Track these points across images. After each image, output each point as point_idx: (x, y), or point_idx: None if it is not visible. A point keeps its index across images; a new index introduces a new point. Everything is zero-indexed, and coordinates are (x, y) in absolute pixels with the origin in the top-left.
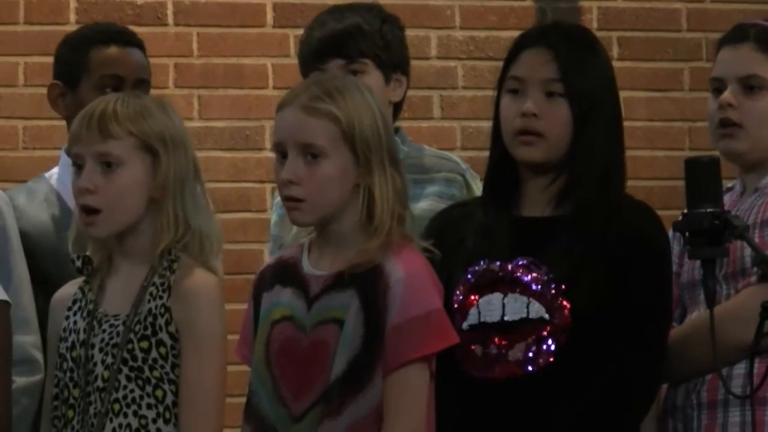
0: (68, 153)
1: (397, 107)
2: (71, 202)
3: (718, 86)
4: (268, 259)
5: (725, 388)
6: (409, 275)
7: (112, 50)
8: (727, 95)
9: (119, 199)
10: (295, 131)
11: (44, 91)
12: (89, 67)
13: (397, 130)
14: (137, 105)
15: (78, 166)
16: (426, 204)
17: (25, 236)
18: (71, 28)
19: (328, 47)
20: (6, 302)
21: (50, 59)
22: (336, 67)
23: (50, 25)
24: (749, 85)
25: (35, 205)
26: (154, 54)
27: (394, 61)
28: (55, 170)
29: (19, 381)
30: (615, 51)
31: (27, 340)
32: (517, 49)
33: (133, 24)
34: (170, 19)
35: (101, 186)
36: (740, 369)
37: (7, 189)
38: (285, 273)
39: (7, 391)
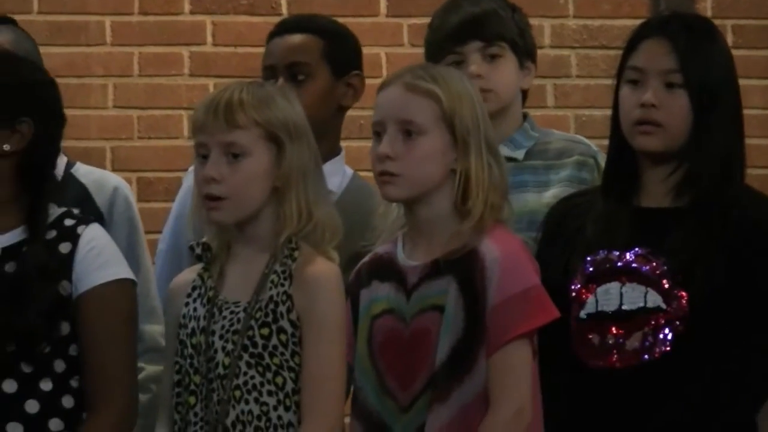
0: None
1: (524, 95)
2: None
3: None
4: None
5: None
6: (505, 255)
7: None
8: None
9: (244, 189)
10: (396, 108)
11: (159, 81)
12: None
13: (525, 116)
14: (261, 94)
15: (202, 155)
16: (557, 191)
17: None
18: (185, 18)
19: (468, 29)
20: (133, 281)
21: (164, 49)
22: (474, 50)
23: (164, 16)
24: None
25: None
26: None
27: (527, 47)
28: None
29: (149, 369)
30: (729, 39)
31: (155, 329)
32: (636, 39)
33: (246, 14)
34: (284, 9)
35: (227, 175)
36: None
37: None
38: (381, 268)
39: (132, 370)
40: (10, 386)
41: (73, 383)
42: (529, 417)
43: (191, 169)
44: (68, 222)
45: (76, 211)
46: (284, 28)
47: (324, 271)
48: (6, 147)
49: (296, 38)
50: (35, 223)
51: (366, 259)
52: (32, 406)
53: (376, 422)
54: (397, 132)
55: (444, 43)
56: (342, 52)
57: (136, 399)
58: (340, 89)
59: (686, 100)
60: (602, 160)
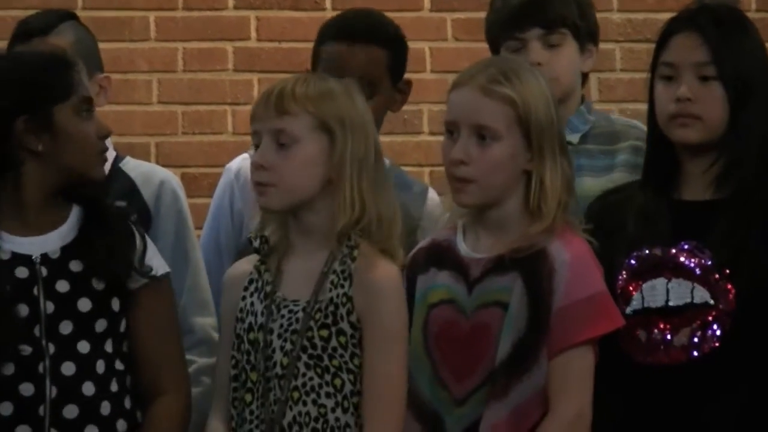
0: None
1: (584, 77)
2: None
3: None
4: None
5: None
6: (575, 258)
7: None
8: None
9: (291, 176)
10: (470, 112)
11: (203, 76)
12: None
13: (582, 99)
14: (319, 86)
15: (256, 144)
16: (618, 175)
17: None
18: (229, 14)
19: (529, 14)
20: (169, 273)
21: (208, 44)
22: (534, 37)
23: (208, 11)
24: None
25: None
26: (312, 39)
27: (589, 29)
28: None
29: (200, 361)
30: None
31: (207, 321)
32: (666, 35)
33: (290, 9)
34: (328, 4)
35: (274, 162)
36: None
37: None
38: (440, 255)
39: (184, 359)
40: (88, 389)
41: (128, 383)
42: (588, 422)
43: (228, 165)
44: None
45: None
46: (351, 34)
47: (385, 273)
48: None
49: (366, 52)
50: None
51: (424, 244)
52: (105, 408)
53: (427, 412)
54: (471, 136)
55: (504, 27)
56: (401, 61)
57: (190, 390)
58: (395, 97)
59: (721, 92)
60: None
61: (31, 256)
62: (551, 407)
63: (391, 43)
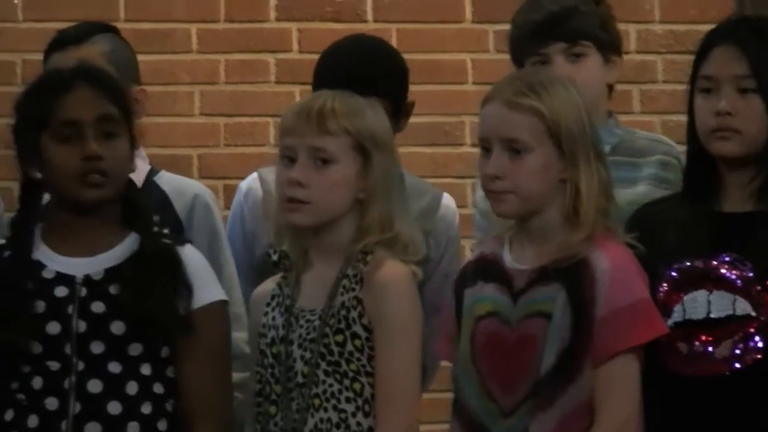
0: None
1: (610, 89)
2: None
3: None
4: (469, 255)
5: None
6: (615, 266)
7: None
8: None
9: (327, 195)
10: (499, 126)
11: (245, 88)
12: None
13: (609, 114)
14: (353, 104)
15: (288, 158)
16: (643, 188)
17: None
18: (271, 25)
19: (550, 29)
20: (224, 301)
21: (250, 56)
22: (557, 51)
23: (250, 23)
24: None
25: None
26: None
27: (611, 41)
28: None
29: (234, 376)
30: None
31: (240, 336)
32: (706, 48)
33: (332, 21)
34: (369, 16)
35: (313, 180)
36: None
37: (208, 186)
38: (487, 268)
39: (230, 387)
40: (114, 408)
41: (168, 407)
42: (635, 429)
43: (240, 185)
44: (164, 242)
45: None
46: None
47: (393, 273)
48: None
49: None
50: (144, 221)
51: (471, 258)
52: (133, 429)
53: (476, 424)
54: (503, 150)
55: (527, 43)
56: (402, 99)
57: (232, 419)
58: (401, 123)
59: (761, 104)
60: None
61: (74, 277)
62: (597, 416)
63: (390, 94)
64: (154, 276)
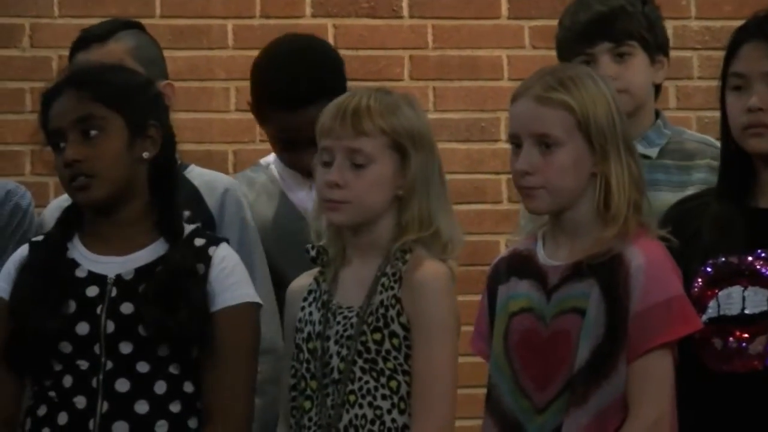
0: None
1: (657, 89)
2: (292, 194)
3: None
4: (504, 250)
5: None
6: (650, 262)
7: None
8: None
9: (366, 195)
10: (528, 122)
11: None
12: None
13: (657, 114)
14: (389, 102)
15: (325, 160)
16: (693, 192)
17: None
18: (307, 21)
19: (596, 29)
20: (258, 304)
21: None
22: (604, 51)
23: (286, 19)
24: None
25: (254, 195)
26: (389, 46)
27: (658, 41)
28: (271, 158)
29: (265, 371)
30: None
31: (272, 330)
32: (735, 45)
33: (367, 17)
34: (405, 12)
35: (350, 181)
36: None
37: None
38: (521, 265)
39: (250, 389)
40: (142, 407)
41: (199, 405)
42: (668, 426)
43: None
44: (198, 242)
45: (194, 221)
46: (290, 101)
47: (431, 272)
48: (145, 154)
49: (308, 115)
50: (174, 231)
51: (505, 254)
52: (161, 427)
53: (510, 420)
54: (533, 146)
55: (574, 44)
56: (345, 88)
57: (251, 419)
58: None
59: None
60: None
61: (106, 277)
62: (631, 412)
63: (338, 87)
64: (175, 288)
